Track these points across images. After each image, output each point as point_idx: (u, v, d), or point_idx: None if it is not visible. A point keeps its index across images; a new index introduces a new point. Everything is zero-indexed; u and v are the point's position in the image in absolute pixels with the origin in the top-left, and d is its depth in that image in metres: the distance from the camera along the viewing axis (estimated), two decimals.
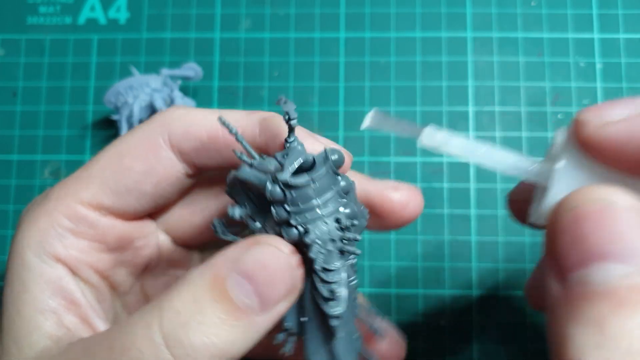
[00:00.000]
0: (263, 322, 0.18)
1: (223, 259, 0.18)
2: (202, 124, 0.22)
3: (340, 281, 0.19)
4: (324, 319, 0.20)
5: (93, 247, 0.22)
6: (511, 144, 0.32)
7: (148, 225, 0.24)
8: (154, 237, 0.24)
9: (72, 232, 0.21)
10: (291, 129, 0.19)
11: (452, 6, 0.34)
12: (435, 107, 0.33)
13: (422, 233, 0.32)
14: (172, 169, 0.22)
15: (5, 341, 0.20)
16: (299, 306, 0.20)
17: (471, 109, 0.33)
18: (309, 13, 0.34)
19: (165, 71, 0.32)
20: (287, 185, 0.18)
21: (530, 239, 0.32)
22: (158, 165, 0.22)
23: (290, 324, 0.20)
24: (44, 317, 0.20)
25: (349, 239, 0.19)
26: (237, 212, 0.20)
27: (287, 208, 0.19)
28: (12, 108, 0.34)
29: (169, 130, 0.22)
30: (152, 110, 0.31)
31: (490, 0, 0.34)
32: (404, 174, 0.33)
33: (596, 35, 0.33)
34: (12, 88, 0.34)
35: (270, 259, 0.18)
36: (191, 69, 0.33)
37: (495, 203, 0.32)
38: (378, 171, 0.32)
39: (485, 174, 0.32)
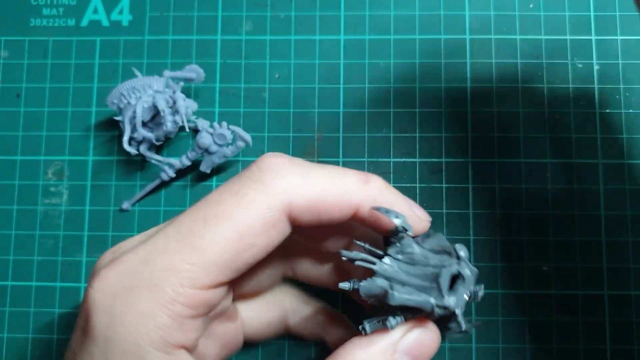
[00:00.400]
0: None
1: (388, 343, 0.21)
2: (323, 198, 0.21)
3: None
4: None
5: (203, 321, 0.21)
6: (510, 144, 0.33)
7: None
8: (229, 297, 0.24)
9: (192, 317, 0.19)
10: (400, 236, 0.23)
11: (451, 9, 0.34)
12: (435, 109, 0.33)
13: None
14: (285, 235, 0.21)
15: None
16: None
17: (470, 110, 0.33)
18: (310, 15, 0.35)
19: (168, 73, 0.33)
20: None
21: (528, 238, 0.32)
22: (277, 237, 0.21)
23: None
24: None
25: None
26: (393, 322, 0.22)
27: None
28: (15, 109, 0.34)
29: (290, 205, 0.20)
30: (155, 111, 0.31)
31: (488, 3, 0.34)
32: (403, 174, 0.33)
33: (594, 37, 0.34)
34: (16, 89, 0.35)
35: (427, 339, 0.22)
36: (193, 71, 0.33)
37: (494, 203, 0.32)
38: (378, 171, 0.33)
39: (485, 174, 0.33)
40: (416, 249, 0.22)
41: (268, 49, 0.34)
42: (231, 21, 0.35)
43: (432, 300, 0.21)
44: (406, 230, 0.22)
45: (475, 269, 0.22)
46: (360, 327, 0.22)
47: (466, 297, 0.21)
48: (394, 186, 0.32)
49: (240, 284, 0.25)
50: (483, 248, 0.32)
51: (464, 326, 0.22)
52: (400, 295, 0.21)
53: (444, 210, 0.32)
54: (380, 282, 0.21)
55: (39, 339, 0.32)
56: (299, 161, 0.22)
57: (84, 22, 0.35)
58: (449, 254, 0.23)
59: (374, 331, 0.21)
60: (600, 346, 0.31)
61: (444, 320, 0.22)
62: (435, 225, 0.32)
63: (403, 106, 0.33)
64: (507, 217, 0.32)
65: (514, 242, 0.32)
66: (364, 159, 0.33)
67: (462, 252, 0.22)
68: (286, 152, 0.33)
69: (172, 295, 0.19)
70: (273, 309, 0.27)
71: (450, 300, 0.21)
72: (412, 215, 0.23)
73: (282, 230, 0.21)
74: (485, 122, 0.33)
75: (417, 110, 0.33)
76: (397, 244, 0.22)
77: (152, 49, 0.35)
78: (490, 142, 0.33)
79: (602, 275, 0.31)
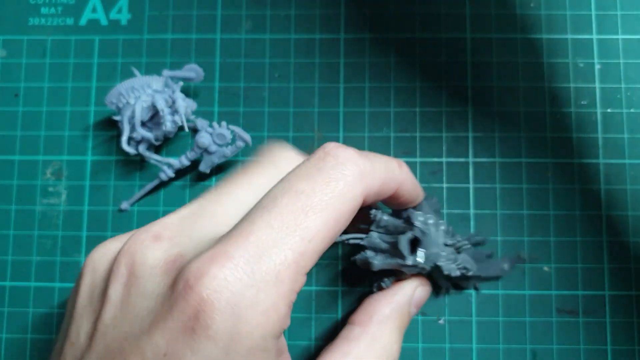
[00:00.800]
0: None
1: (406, 300, 0.28)
2: (384, 184, 0.24)
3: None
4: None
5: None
6: (510, 143, 0.33)
7: None
8: None
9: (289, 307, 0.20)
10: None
11: (451, 7, 0.34)
12: (435, 107, 0.33)
13: None
14: None
15: None
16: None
17: (470, 110, 0.33)
18: (310, 14, 0.35)
19: (167, 72, 0.33)
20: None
21: (529, 238, 0.32)
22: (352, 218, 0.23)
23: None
24: None
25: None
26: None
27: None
28: (14, 109, 0.34)
29: (367, 192, 0.22)
30: (154, 111, 0.31)
31: (489, 2, 0.34)
32: None
33: (595, 36, 0.34)
34: (14, 89, 0.34)
35: (427, 292, 0.29)
36: (192, 70, 0.33)
37: (494, 203, 0.32)
38: None
39: (485, 174, 0.32)
40: (390, 221, 0.28)
41: (268, 48, 0.34)
42: (230, 20, 0.35)
43: (400, 262, 0.27)
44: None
45: (440, 225, 0.28)
46: (375, 285, 0.29)
47: (422, 253, 0.27)
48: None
49: None
50: (484, 247, 0.32)
51: (447, 271, 0.27)
52: (378, 263, 0.27)
53: (445, 210, 0.32)
54: (368, 253, 0.28)
55: (38, 339, 0.32)
56: (361, 151, 0.24)
57: (83, 21, 0.35)
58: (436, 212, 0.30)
59: (385, 289, 0.28)
60: (601, 347, 0.31)
61: (445, 277, 0.29)
62: None
63: (403, 106, 0.33)
64: (507, 217, 0.32)
65: (514, 242, 0.32)
66: None
67: (417, 220, 0.27)
68: None
69: (290, 286, 0.20)
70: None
71: (409, 260, 0.26)
72: (421, 196, 0.28)
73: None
74: (486, 122, 0.33)
75: (417, 109, 0.33)
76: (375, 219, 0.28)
77: (151, 48, 0.35)
78: (491, 141, 0.33)
79: (603, 275, 0.31)
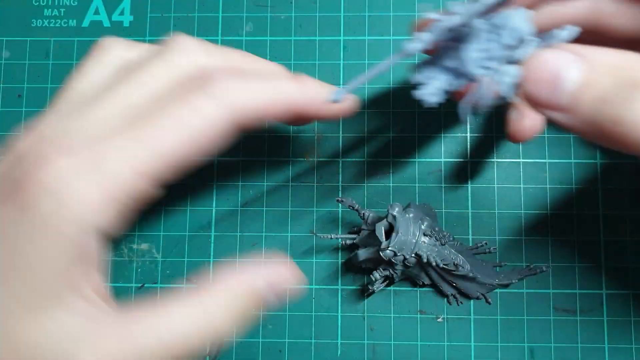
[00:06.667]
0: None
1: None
2: (263, 103, 0.23)
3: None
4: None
5: (128, 212, 0.22)
6: (509, 143, 0.33)
7: None
8: None
9: (124, 207, 0.21)
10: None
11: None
12: (435, 109, 0.33)
13: None
14: (226, 136, 0.23)
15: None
16: None
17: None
18: (310, 16, 0.35)
19: None
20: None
21: (527, 237, 0.32)
22: (220, 143, 0.22)
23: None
24: (65, 282, 0.20)
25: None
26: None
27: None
28: (17, 109, 0.35)
29: (234, 115, 0.22)
30: None
31: None
32: (403, 174, 0.33)
33: None
34: (17, 89, 0.35)
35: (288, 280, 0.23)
36: None
37: (493, 203, 0.32)
38: (377, 171, 0.33)
39: (484, 175, 0.33)
40: (376, 217, 0.30)
41: (268, 50, 0.35)
42: (232, 22, 0.35)
43: (377, 248, 0.29)
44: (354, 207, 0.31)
45: (420, 220, 0.29)
46: (372, 275, 0.30)
47: (395, 237, 0.28)
48: (393, 186, 0.33)
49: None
50: (489, 257, 0.32)
51: (426, 258, 0.28)
52: (361, 253, 0.30)
53: (443, 210, 0.33)
54: (359, 250, 0.30)
55: None
56: (237, 71, 0.23)
57: (85, 23, 0.35)
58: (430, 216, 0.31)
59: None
60: (599, 345, 0.31)
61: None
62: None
63: (403, 106, 0.34)
64: (505, 217, 0.32)
65: (512, 241, 0.32)
66: (363, 159, 0.33)
67: (394, 210, 0.29)
68: (287, 152, 0.33)
69: (114, 181, 0.20)
70: None
71: (383, 244, 0.28)
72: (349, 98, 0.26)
73: (226, 135, 0.23)
74: (485, 122, 0.33)
75: (416, 110, 0.34)
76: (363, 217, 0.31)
77: None
78: (489, 142, 0.33)
79: (600, 274, 0.32)
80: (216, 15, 0.35)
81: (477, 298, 0.31)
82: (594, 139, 0.19)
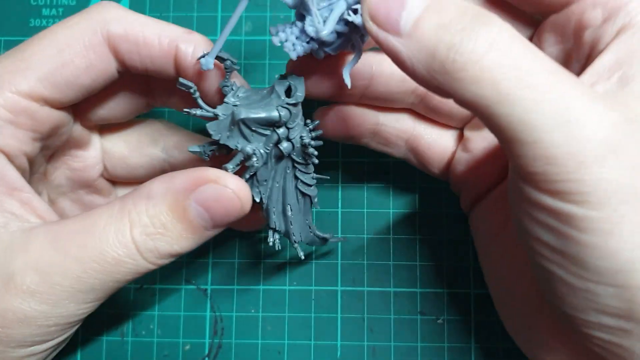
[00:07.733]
0: (212, 234, 0.23)
1: (183, 187, 0.22)
2: (141, 30, 0.24)
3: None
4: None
5: (29, 136, 0.23)
6: None
7: (69, 112, 0.26)
8: (70, 124, 0.26)
9: (11, 123, 0.23)
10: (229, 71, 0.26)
11: None
12: None
13: (420, 233, 0.32)
14: (109, 66, 0.24)
15: None
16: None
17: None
18: None
19: None
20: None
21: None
22: (97, 62, 0.24)
23: (275, 224, 0.27)
24: None
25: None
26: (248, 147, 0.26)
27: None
28: None
29: (108, 29, 0.24)
30: None
31: None
32: (403, 174, 0.33)
33: None
34: None
35: (222, 196, 0.23)
36: None
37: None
38: (377, 171, 0.33)
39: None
40: (246, 86, 0.27)
41: (268, 50, 0.35)
42: None
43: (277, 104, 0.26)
44: (234, 63, 0.26)
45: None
46: (223, 166, 0.25)
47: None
48: (393, 186, 0.33)
49: (89, 111, 0.27)
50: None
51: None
52: (246, 112, 0.25)
53: (443, 210, 0.32)
54: (221, 118, 0.25)
55: None
56: (130, 10, 0.25)
57: None
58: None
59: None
60: None
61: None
62: (435, 226, 0.32)
63: None
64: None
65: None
66: (363, 159, 0.33)
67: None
68: None
69: (4, 104, 0.22)
70: (142, 136, 0.29)
71: (286, 97, 0.26)
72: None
73: (103, 58, 0.24)
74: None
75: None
76: (232, 89, 0.26)
77: None
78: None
79: None
80: (215, 15, 0.35)
81: (294, 243, 0.28)
82: (426, 79, 0.19)
